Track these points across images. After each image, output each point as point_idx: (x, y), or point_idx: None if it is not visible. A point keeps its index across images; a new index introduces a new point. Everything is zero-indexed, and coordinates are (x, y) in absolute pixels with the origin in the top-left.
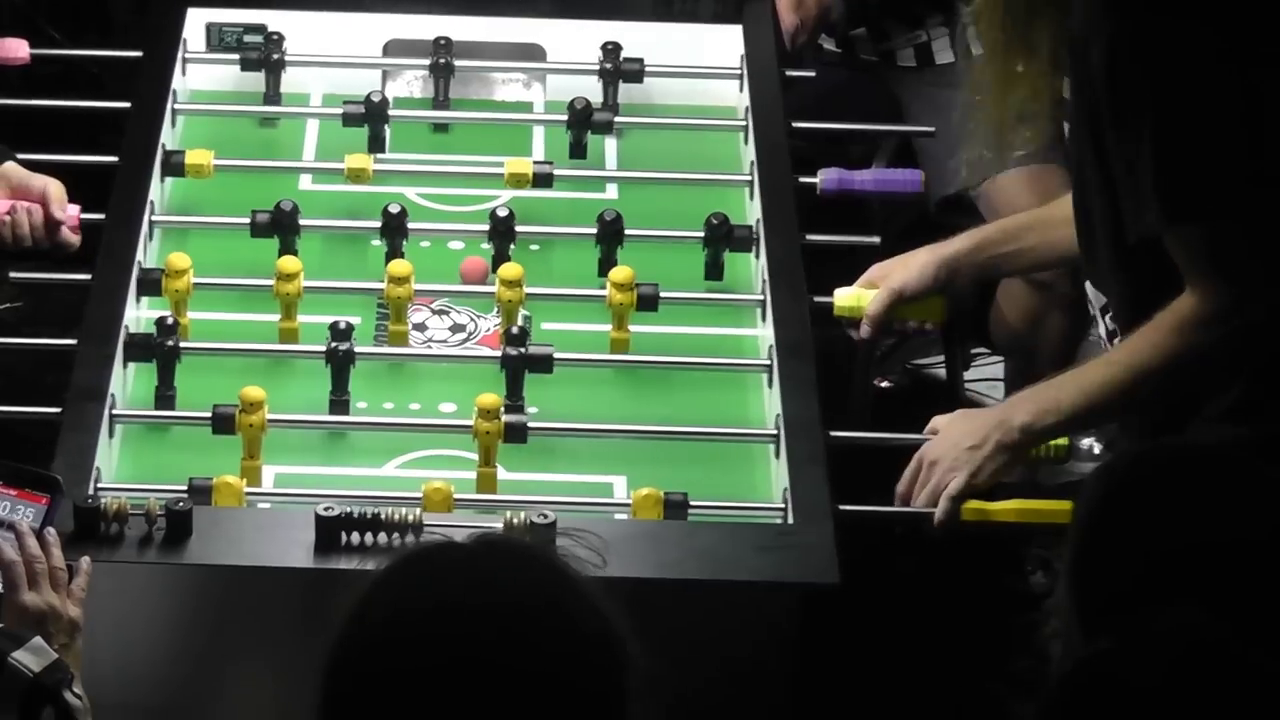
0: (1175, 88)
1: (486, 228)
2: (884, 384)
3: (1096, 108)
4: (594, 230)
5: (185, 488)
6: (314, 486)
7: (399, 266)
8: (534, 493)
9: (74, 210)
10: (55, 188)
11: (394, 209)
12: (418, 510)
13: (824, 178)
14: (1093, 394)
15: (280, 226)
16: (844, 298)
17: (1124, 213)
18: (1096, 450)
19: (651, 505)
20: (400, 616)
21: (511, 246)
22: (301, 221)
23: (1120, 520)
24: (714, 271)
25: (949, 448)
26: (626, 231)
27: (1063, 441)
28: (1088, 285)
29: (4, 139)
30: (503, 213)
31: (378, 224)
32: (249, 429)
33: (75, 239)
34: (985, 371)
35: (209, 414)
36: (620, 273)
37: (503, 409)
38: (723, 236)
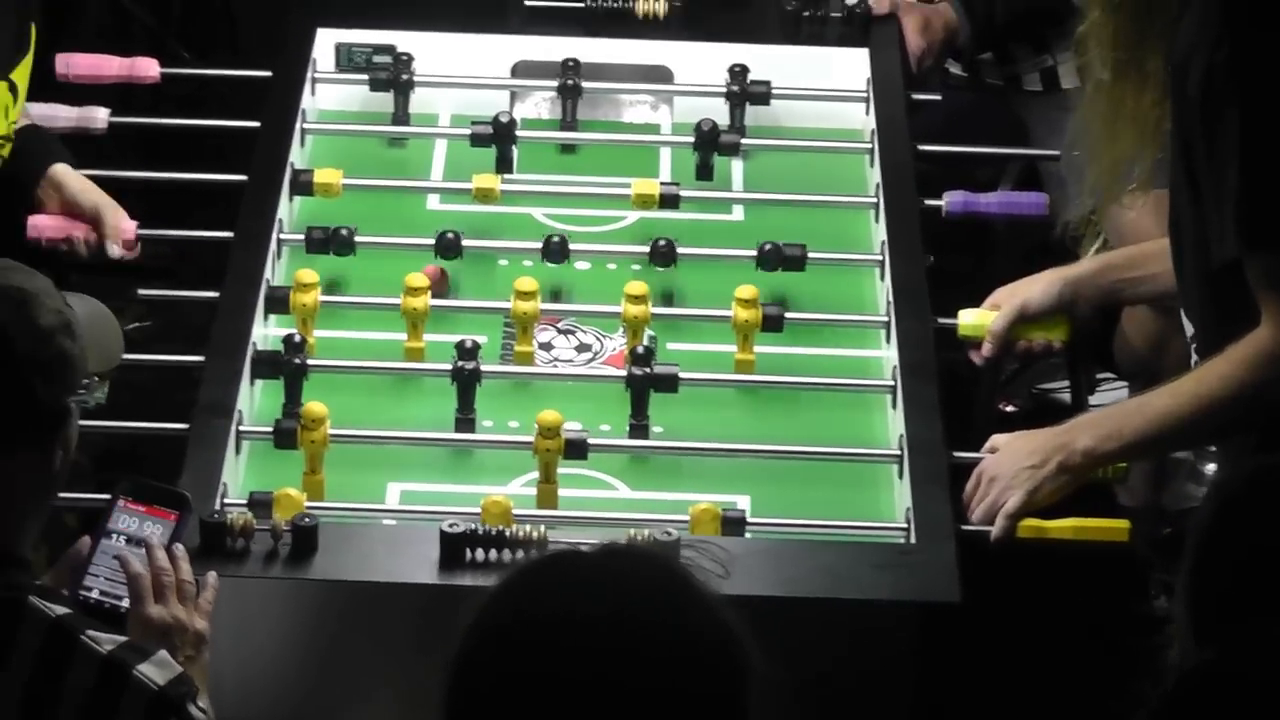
0: (1268, 110)
1: (630, 249)
2: (1009, 408)
3: (1192, 131)
4: (720, 251)
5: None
6: (439, 504)
7: (525, 282)
8: (660, 512)
9: (130, 227)
10: (109, 212)
11: (555, 239)
12: (542, 527)
13: (949, 200)
14: (1156, 423)
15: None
16: (968, 319)
17: (1209, 238)
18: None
19: (709, 521)
20: (524, 622)
21: (672, 267)
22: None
23: (1234, 533)
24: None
25: (1009, 465)
26: (749, 252)
27: (1121, 464)
28: (1182, 314)
29: (133, 157)
30: (663, 242)
31: (512, 244)
32: (310, 444)
33: (131, 254)
34: (1109, 396)
35: (342, 431)
36: (746, 290)
37: (563, 426)
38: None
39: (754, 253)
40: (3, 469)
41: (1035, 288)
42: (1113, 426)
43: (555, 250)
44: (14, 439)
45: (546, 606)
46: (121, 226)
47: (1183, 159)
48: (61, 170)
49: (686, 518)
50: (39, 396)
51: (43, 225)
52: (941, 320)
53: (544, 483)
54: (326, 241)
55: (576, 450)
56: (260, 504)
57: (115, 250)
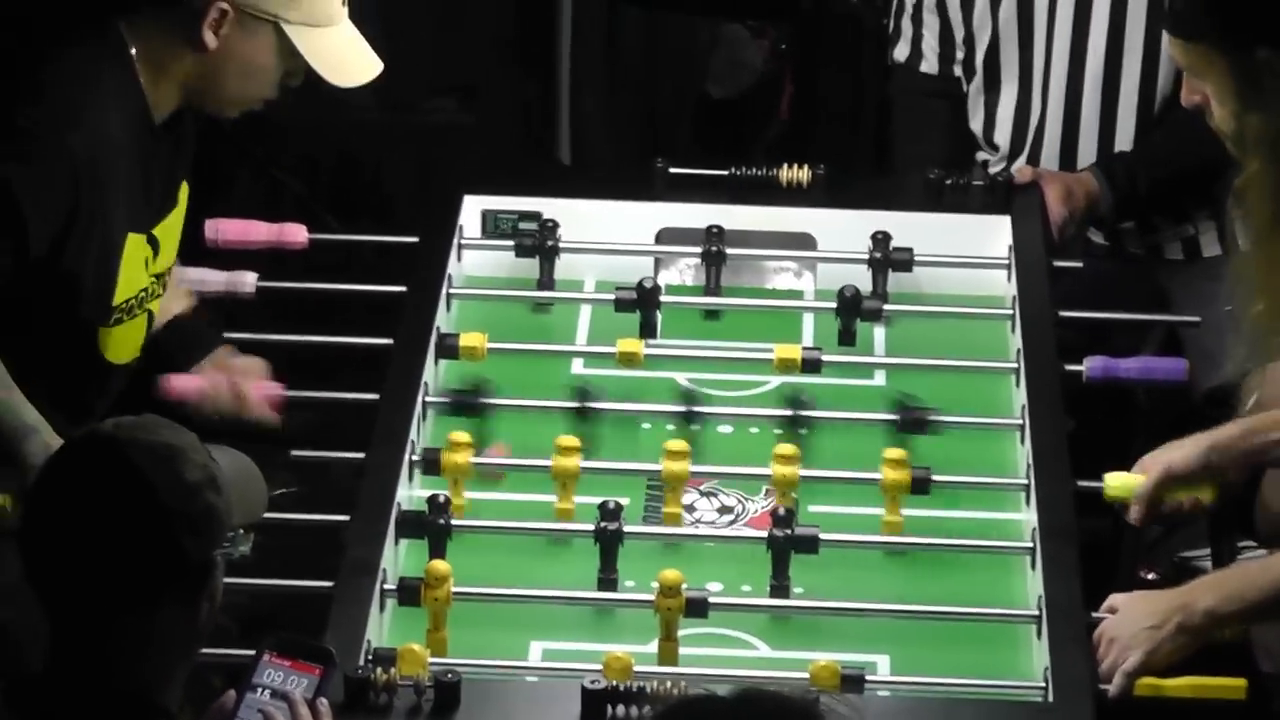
0: None
1: (772, 412)
2: (1150, 575)
3: None
4: (863, 415)
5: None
6: (581, 662)
7: (676, 444)
8: (795, 670)
9: (275, 388)
10: (255, 368)
11: (697, 403)
12: (683, 684)
13: (1090, 365)
14: (1278, 587)
15: (584, 406)
16: (1115, 481)
17: None
18: None
19: (829, 678)
20: None
21: (801, 431)
22: (594, 405)
23: None
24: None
25: (1128, 626)
26: (891, 416)
27: (1241, 626)
28: None
29: (282, 321)
30: (796, 404)
31: (655, 407)
32: (434, 602)
33: (273, 417)
34: None
35: (471, 589)
36: (894, 452)
37: (684, 585)
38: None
39: (892, 417)
40: (149, 622)
41: (1180, 452)
42: (1235, 588)
43: (696, 414)
44: (160, 592)
45: None
46: (267, 385)
47: None
48: (216, 354)
49: (806, 675)
50: (185, 550)
51: (179, 382)
52: (1081, 484)
53: (665, 640)
54: (469, 404)
55: (697, 609)
56: (384, 659)
57: (251, 395)
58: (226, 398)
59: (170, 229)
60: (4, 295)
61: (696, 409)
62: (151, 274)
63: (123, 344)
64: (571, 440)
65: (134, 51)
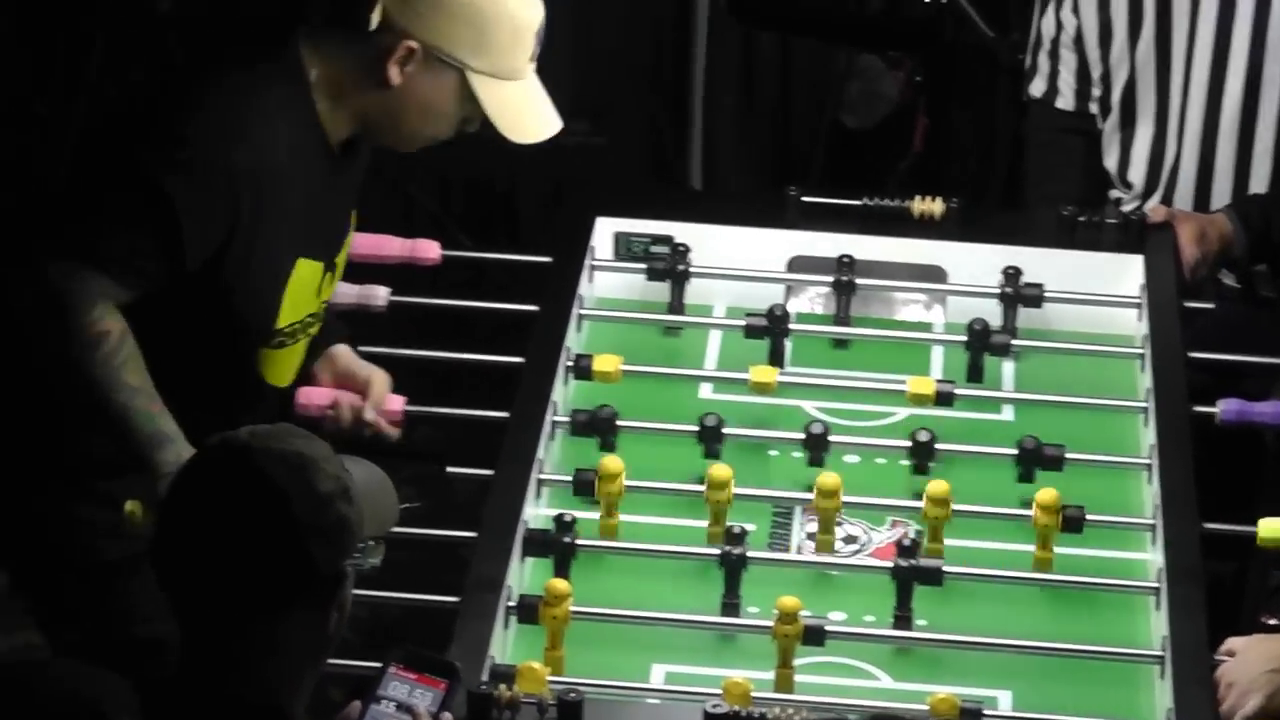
0: None
1: (905, 443)
2: (1272, 620)
3: None
4: (991, 450)
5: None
6: (702, 685)
7: (828, 480)
8: (916, 702)
9: (398, 403)
10: (378, 383)
11: (816, 429)
12: (805, 711)
13: (1223, 408)
14: None
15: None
16: (1269, 527)
17: None
18: None
19: (947, 710)
20: None
21: (931, 464)
22: (725, 430)
23: None
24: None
25: (1247, 669)
26: (1019, 451)
27: None
28: None
29: (411, 335)
30: (924, 436)
31: (782, 434)
32: (552, 620)
33: (394, 432)
34: None
35: (593, 609)
36: (1046, 494)
37: (802, 612)
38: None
39: (1019, 451)
40: (279, 629)
41: None
42: None
43: (822, 443)
44: (291, 601)
45: None
46: (389, 400)
47: None
48: (339, 348)
49: (925, 706)
50: (316, 560)
51: (312, 395)
52: (1208, 525)
53: (781, 667)
54: (592, 425)
55: (814, 636)
56: (501, 675)
57: (371, 414)
58: (349, 413)
59: (344, 257)
60: (162, 307)
61: (824, 437)
62: (322, 300)
63: (283, 367)
64: (725, 471)
65: (314, 76)
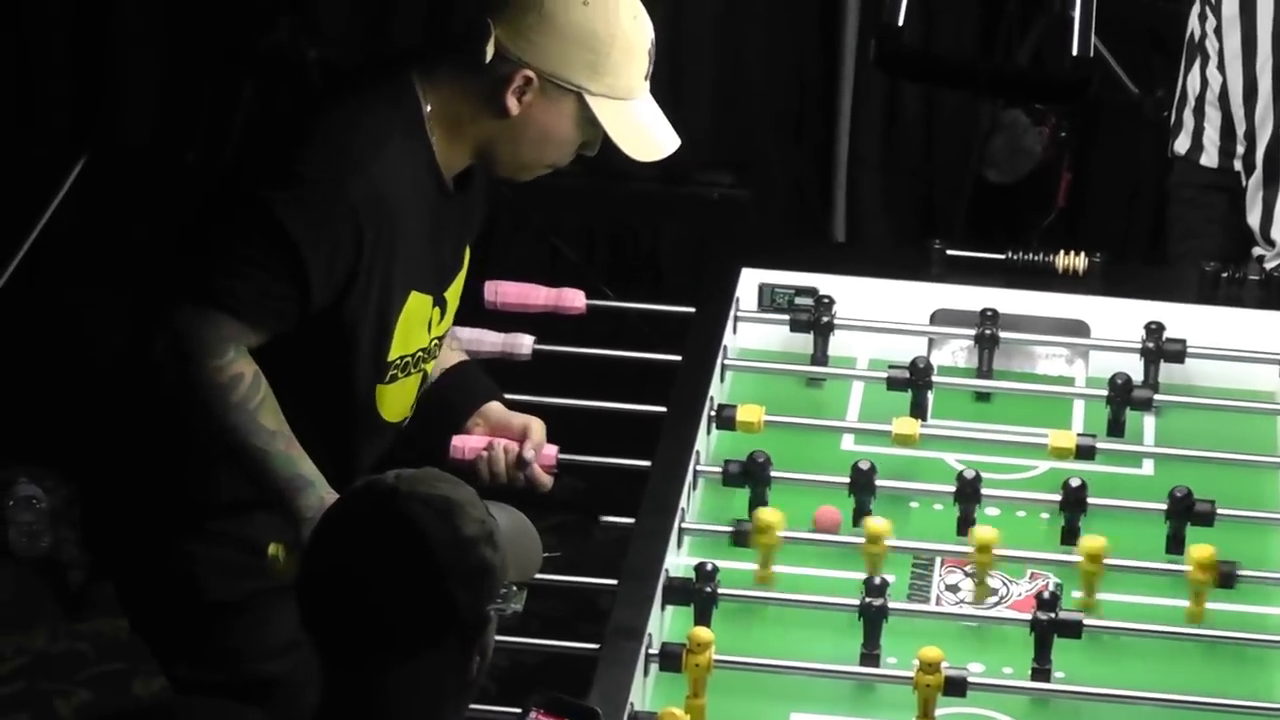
0: None
1: (1057, 497)
2: None
3: None
4: (1134, 504)
5: None
6: None
7: (984, 534)
8: None
9: (551, 451)
10: (535, 428)
11: (969, 474)
12: None
13: None
14: None
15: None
16: None
17: None
18: None
19: None
20: None
21: (1082, 516)
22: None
23: None
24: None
25: None
26: (1159, 506)
27: None
28: None
29: (555, 384)
30: (1075, 482)
31: (931, 487)
32: (694, 669)
33: (547, 480)
34: None
35: (734, 658)
36: (1202, 550)
37: (944, 663)
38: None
39: (1163, 506)
40: (421, 672)
41: None
42: None
43: (969, 495)
44: (433, 644)
45: None
46: (546, 446)
47: None
48: (492, 405)
49: None
50: (458, 604)
51: (468, 441)
52: None
53: (922, 716)
54: (745, 474)
55: (956, 688)
56: None
57: (530, 453)
58: (503, 461)
59: (454, 292)
60: (281, 342)
61: (966, 489)
62: (434, 336)
63: (396, 402)
64: (880, 526)
65: (429, 109)
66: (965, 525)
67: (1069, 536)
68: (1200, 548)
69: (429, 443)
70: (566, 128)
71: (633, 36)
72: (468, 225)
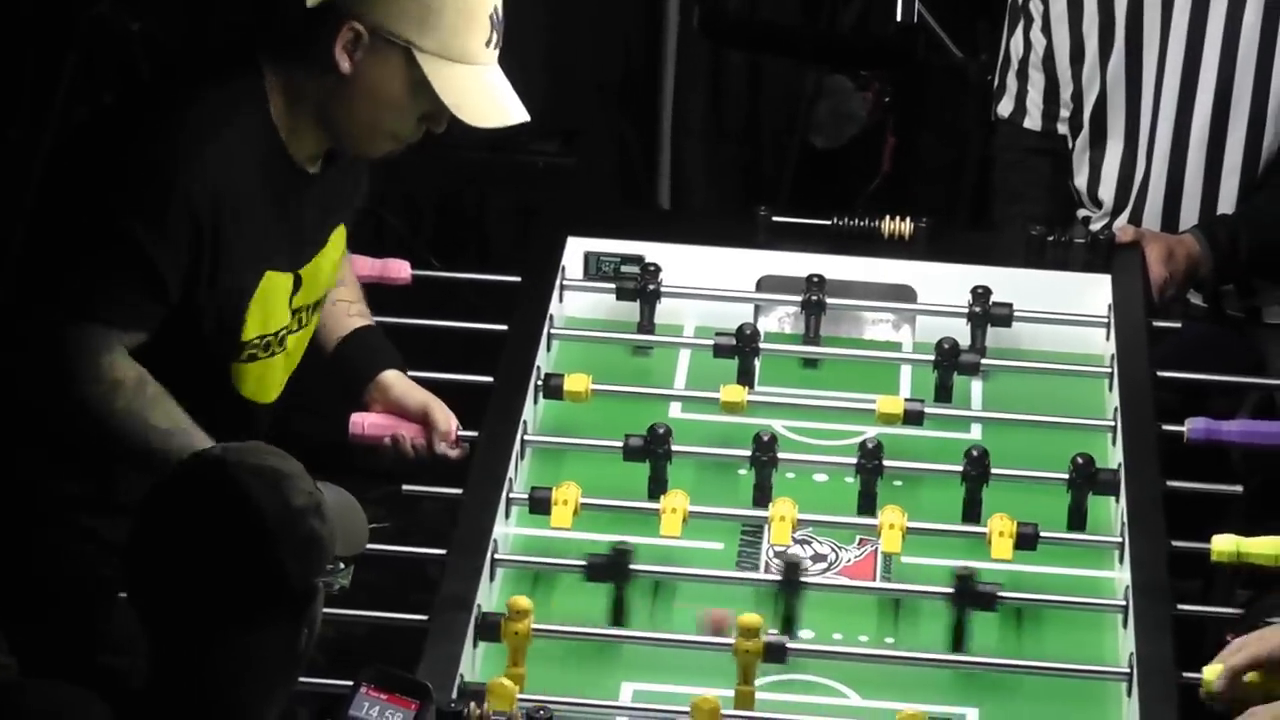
0: None
1: (854, 460)
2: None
3: None
4: (960, 467)
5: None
6: (671, 704)
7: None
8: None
9: (454, 425)
10: (437, 413)
11: (765, 436)
12: None
13: (1191, 426)
14: None
15: (651, 451)
16: (1222, 543)
17: None
18: None
19: None
20: None
21: (879, 480)
22: (675, 448)
23: None
24: (1076, 520)
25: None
26: (993, 471)
27: None
28: None
29: None
30: (871, 444)
31: (748, 452)
32: (513, 636)
33: (456, 453)
34: None
35: (555, 626)
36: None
37: (764, 629)
38: (1087, 479)
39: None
40: (250, 644)
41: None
42: None
43: (792, 462)
44: (262, 614)
45: None
46: (450, 425)
47: None
48: (390, 375)
49: None
50: (288, 574)
51: (366, 423)
52: (1176, 544)
53: (742, 684)
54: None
55: (775, 654)
56: (470, 694)
57: (442, 448)
58: (413, 453)
59: (317, 268)
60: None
61: (792, 456)
62: (294, 309)
63: (260, 381)
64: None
65: (270, 85)
66: (763, 494)
67: (866, 503)
68: (999, 518)
69: (330, 407)
70: (397, 87)
71: None
72: (336, 202)
